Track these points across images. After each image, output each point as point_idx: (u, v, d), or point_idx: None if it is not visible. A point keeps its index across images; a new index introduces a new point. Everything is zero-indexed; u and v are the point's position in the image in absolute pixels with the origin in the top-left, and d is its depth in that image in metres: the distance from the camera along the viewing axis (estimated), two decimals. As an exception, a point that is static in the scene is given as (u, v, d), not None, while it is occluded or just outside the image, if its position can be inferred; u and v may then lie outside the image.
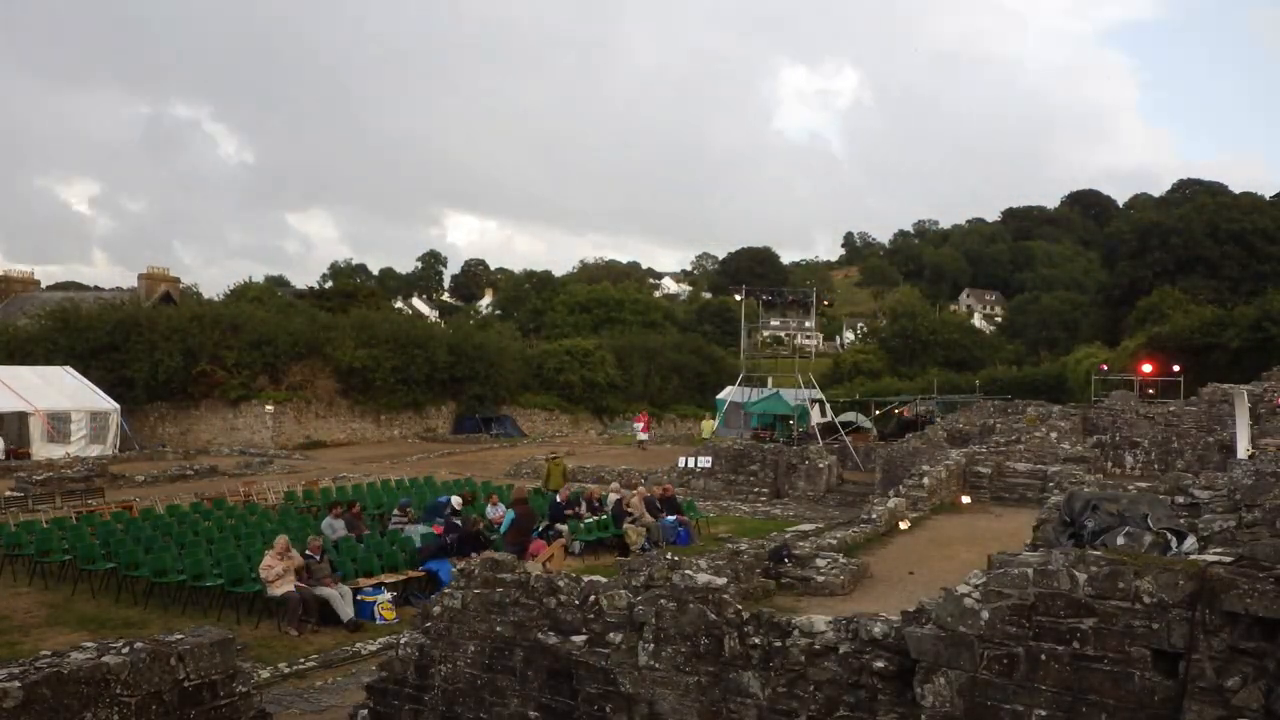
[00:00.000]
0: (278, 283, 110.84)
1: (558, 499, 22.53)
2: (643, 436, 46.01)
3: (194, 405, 45.64)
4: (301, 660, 13.29)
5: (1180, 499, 11.23)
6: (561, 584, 8.61)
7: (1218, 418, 33.73)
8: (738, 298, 44.91)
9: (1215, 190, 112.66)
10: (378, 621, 15.17)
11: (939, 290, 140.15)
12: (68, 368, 40.33)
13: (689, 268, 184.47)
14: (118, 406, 39.71)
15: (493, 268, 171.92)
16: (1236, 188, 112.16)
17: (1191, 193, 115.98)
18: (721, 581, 8.37)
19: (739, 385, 45.08)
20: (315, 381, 48.54)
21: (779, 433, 41.73)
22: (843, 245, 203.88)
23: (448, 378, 52.62)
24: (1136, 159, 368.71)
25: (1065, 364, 67.27)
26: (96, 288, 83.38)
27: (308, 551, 15.75)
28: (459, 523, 19.04)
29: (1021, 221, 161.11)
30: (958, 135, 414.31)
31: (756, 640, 7.59)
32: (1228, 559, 6.32)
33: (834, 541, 19.69)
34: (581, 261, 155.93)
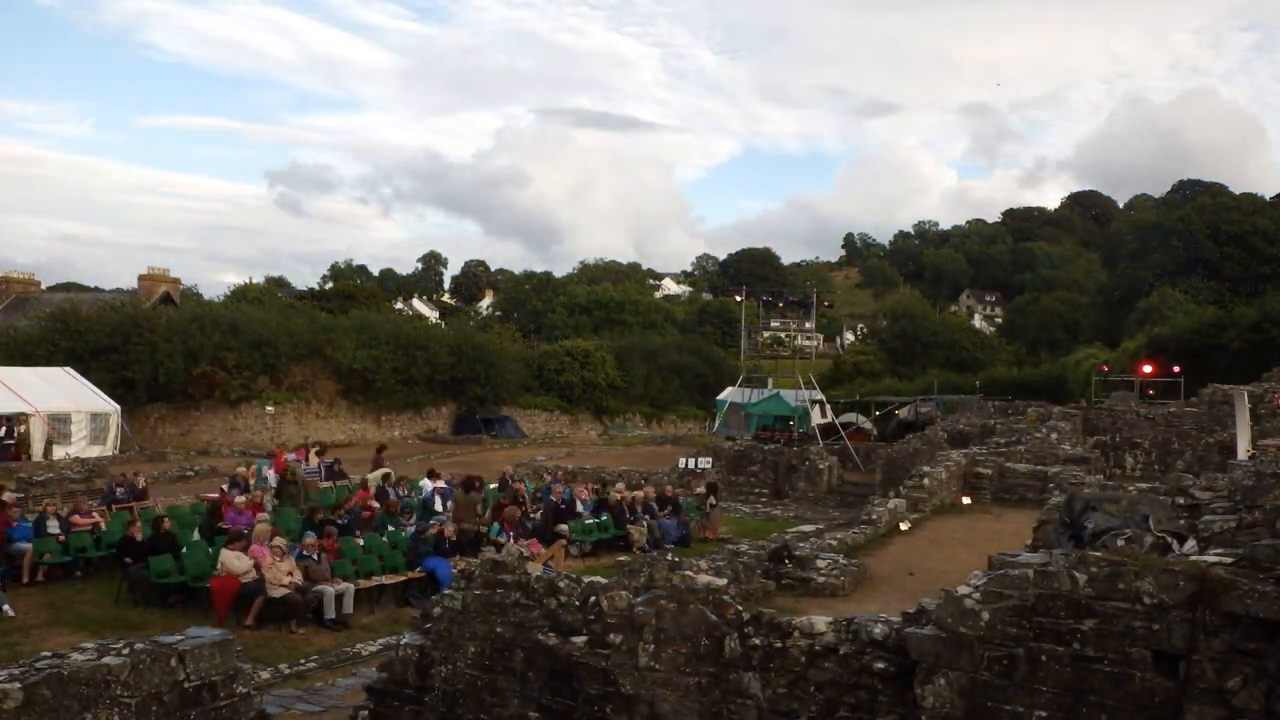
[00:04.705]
0: (278, 284, 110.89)
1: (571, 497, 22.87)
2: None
3: (194, 406, 45.58)
4: (301, 660, 13.29)
5: (1180, 500, 11.24)
6: (562, 585, 8.61)
7: (1218, 419, 33.72)
8: (738, 299, 44.91)
9: (1215, 191, 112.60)
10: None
11: (939, 291, 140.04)
12: (68, 369, 40.27)
13: (689, 269, 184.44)
14: (118, 408, 39.67)
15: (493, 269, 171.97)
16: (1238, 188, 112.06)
17: (1192, 193, 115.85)
18: (722, 582, 8.39)
19: (739, 386, 45.09)
20: (315, 382, 48.49)
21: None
22: (843, 246, 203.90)
23: (448, 379, 52.57)
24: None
25: (1065, 365, 67.17)
26: (96, 288, 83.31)
27: (305, 552, 15.73)
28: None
29: (1022, 222, 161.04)
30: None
31: (757, 641, 7.59)
32: (1228, 560, 6.33)
33: (834, 542, 19.70)
34: (581, 263, 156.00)
